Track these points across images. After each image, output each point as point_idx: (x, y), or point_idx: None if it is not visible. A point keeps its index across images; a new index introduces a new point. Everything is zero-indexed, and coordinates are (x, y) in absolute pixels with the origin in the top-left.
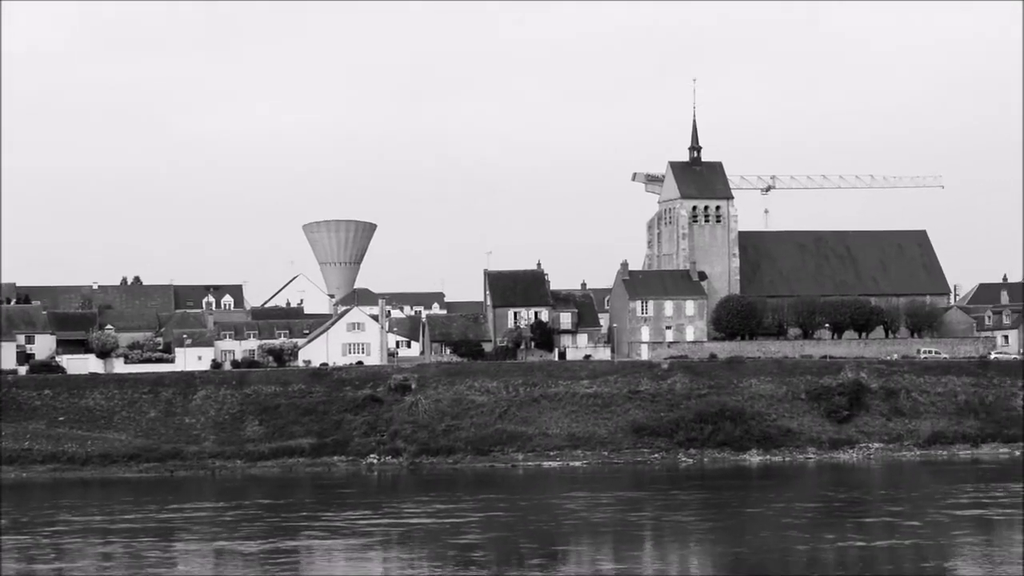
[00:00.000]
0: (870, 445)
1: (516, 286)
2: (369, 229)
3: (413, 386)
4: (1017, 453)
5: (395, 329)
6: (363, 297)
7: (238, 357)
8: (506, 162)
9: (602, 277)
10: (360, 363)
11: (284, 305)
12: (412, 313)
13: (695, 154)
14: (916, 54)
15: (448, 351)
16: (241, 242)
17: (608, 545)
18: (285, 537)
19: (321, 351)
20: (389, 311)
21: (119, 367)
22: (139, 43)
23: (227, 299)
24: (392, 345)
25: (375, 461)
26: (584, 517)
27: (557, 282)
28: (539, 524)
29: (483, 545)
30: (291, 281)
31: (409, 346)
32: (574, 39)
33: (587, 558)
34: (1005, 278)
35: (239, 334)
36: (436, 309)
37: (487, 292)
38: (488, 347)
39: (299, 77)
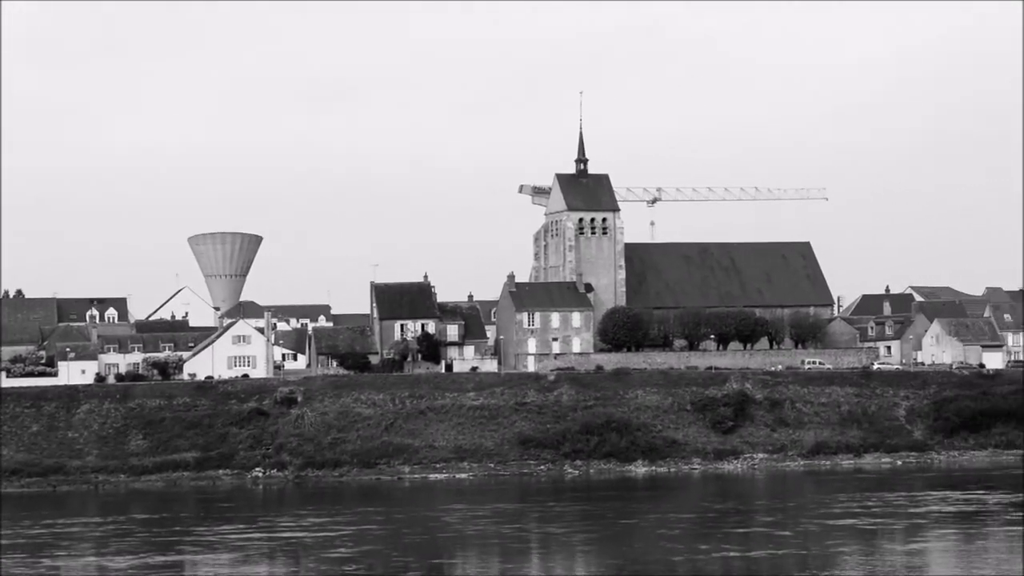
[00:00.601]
0: (754, 455)
1: (403, 298)
2: (255, 241)
3: (299, 399)
4: (899, 463)
5: (281, 342)
6: (249, 310)
7: (122, 371)
8: (393, 174)
9: (489, 289)
10: (246, 376)
11: (169, 318)
12: (298, 326)
13: (582, 166)
14: (800, 68)
15: (334, 364)
16: (125, 255)
17: (477, 558)
18: (155, 552)
19: (206, 364)
20: (275, 324)
21: (1, 381)
22: (26, 52)
23: (111, 312)
24: (278, 358)
25: (260, 475)
26: (459, 530)
27: (444, 294)
28: (413, 537)
29: (355, 559)
30: (176, 294)
31: (295, 359)
32: (462, 50)
33: (456, 572)
34: (887, 289)
35: (123, 347)
36: (322, 322)
37: (373, 304)
38: (375, 360)
39: (185, 87)
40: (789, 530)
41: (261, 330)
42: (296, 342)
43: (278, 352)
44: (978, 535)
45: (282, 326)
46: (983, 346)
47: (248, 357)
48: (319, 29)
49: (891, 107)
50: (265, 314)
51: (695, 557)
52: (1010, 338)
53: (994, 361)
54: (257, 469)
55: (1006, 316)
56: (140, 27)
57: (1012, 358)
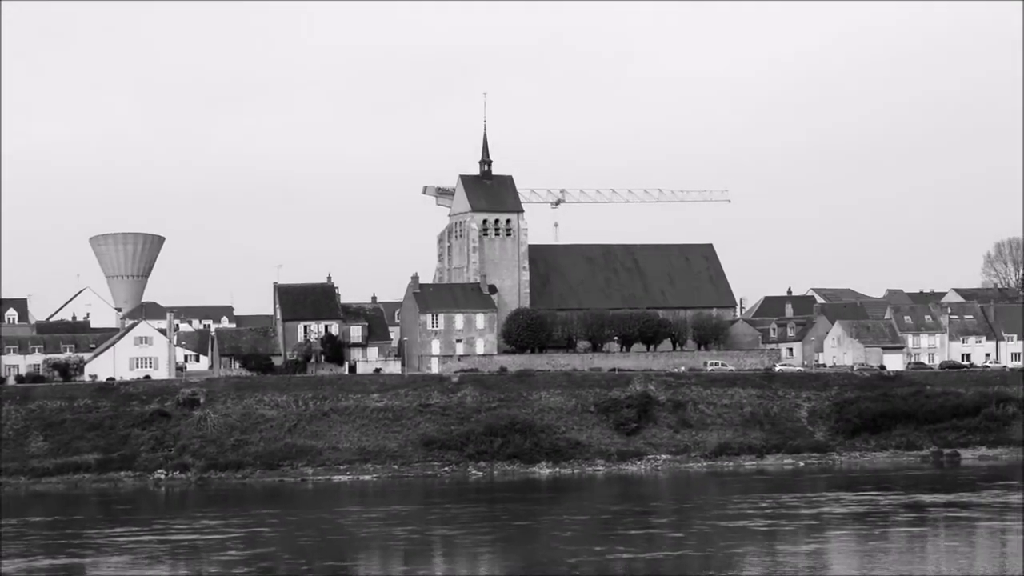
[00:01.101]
0: (658, 457)
1: (306, 299)
2: (157, 242)
3: (202, 400)
4: (801, 464)
5: (183, 343)
6: (151, 311)
7: (23, 372)
8: (297, 175)
9: (393, 290)
10: (148, 377)
11: (70, 319)
12: (201, 327)
13: (486, 168)
14: (704, 70)
15: (237, 365)
16: (26, 255)
17: (367, 560)
18: (45, 556)
19: (108, 365)
20: (177, 325)
21: None
22: None
23: (11, 313)
24: (180, 359)
25: (163, 476)
26: (353, 532)
27: (348, 295)
28: (305, 540)
29: (245, 561)
30: (77, 295)
31: (198, 360)
32: (367, 50)
33: (346, 574)
34: (789, 291)
35: (23, 348)
36: (225, 323)
37: (277, 305)
38: (278, 361)
39: (87, 87)
40: (683, 531)
41: (163, 331)
42: (199, 343)
43: (180, 353)
44: (869, 536)
45: (184, 327)
46: (884, 348)
47: (150, 358)
48: (223, 29)
49: (793, 108)
50: (167, 315)
51: (589, 559)
52: (910, 340)
53: (895, 363)
54: (159, 471)
55: (906, 318)
56: (37, 23)
57: (912, 360)
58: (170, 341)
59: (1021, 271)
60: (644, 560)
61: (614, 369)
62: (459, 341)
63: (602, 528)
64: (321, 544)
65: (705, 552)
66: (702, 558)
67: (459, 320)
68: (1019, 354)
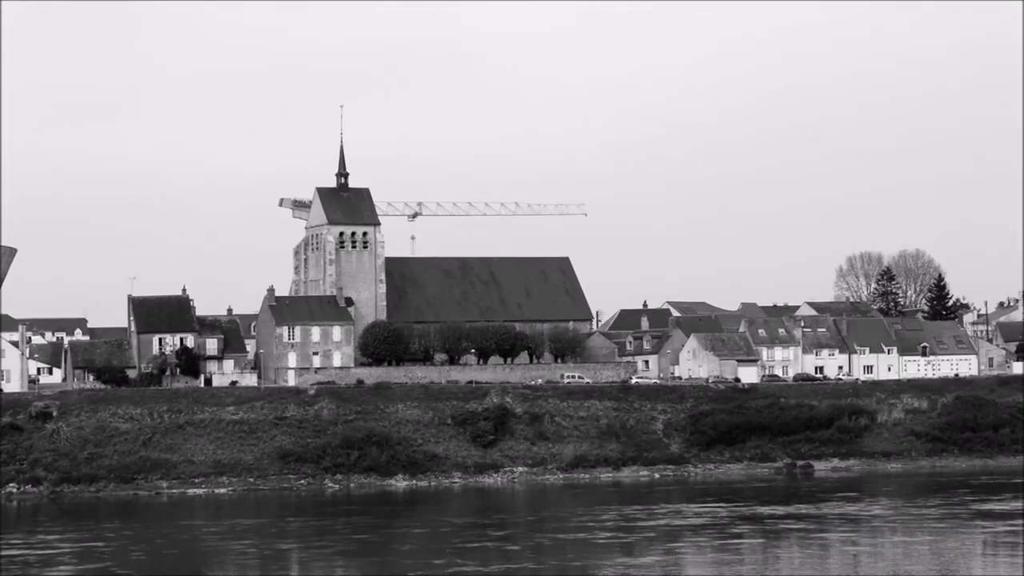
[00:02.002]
0: (515, 469)
1: (161, 312)
2: (9, 254)
3: (55, 413)
4: (657, 476)
5: (36, 355)
6: (2, 323)
7: None
8: (151, 186)
9: (249, 303)
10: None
11: None
12: (54, 339)
13: (342, 180)
14: (562, 84)
15: (91, 378)
16: None
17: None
18: None
19: None
20: (30, 337)
21: None
22: None
23: None
24: (33, 372)
25: (14, 490)
26: (188, 546)
27: (203, 308)
28: (139, 554)
29: None
30: None
31: (51, 373)
32: (222, 61)
33: None
34: (645, 304)
35: None
36: (79, 335)
37: (131, 318)
38: (133, 374)
39: None
40: (521, 544)
41: (15, 344)
42: (52, 356)
43: (33, 366)
44: (707, 547)
45: (37, 340)
46: (738, 360)
47: (2, 371)
48: (77, 36)
49: (650, 122)
50: (20, 327)
51: (423, 573)
52: (764, 353)
53: (749, 375)
54: (11, 485)
55: (760, 331)
56: None
57: (767, 372)
58: (22, 354)
59: (872, 284)
60: (482, 573)
61: (471, 382)
62: (316, 354)
63: (444, 541)
64: (152, 559)
65: (543, 564)
66: (535, 571)
67: (316, 333)
68: (871, 366)
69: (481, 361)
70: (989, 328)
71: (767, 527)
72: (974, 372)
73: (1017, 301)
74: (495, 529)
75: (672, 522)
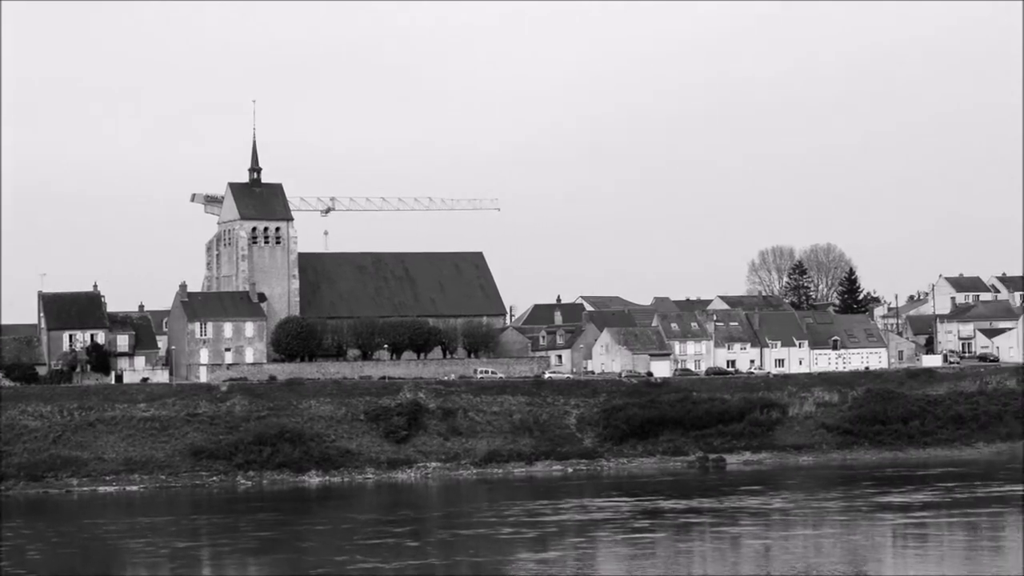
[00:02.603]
0: (428, 464)
1: (72, 308)
2: None
3: None
4: (570, 470)
5: None
6: None
7: None
8: (63, 181)
9: (161, 299)
10: None
11: None
12: None
13: (255, 175)
14: (476, 78)
15: (0, 375)
16: None
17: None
18: None
19: None
20: None
21: None
22: None
23: None
24: None
25: None
26: (86, 544)
27: (114, 304)
28: (34, 553)
29: None
30: None
31: None
32: (133, 55)
33: None
34: (559, 299)
35: None
36: None
37: (41, 314)
38: (43, 371)
39: None
40: (422, 540)
41: None
42: None
43: None
44: (606, 542)
45: None
46: (651, 355)
47: None
48: None
49: (563, 117)
50: None
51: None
52: (677, 347)
53: (662, 370)
54: None
55: (673, 325)
56: None
57: (679, 366)
58: None
59: (784, 278)
60: (379, 570)
61: (384, 377)
62: (228, 350)
63: (347, 538)
64: (48, 558)
65: (442, 560)
66: (430, 567)
67: (228, 329)
68: (783, 360)
69: (394, 356)
70: (899, 322)
71: (667, 521)
72: (884, 365)
73: (927, 295)
74: (400, 525)
75: (575, 517)
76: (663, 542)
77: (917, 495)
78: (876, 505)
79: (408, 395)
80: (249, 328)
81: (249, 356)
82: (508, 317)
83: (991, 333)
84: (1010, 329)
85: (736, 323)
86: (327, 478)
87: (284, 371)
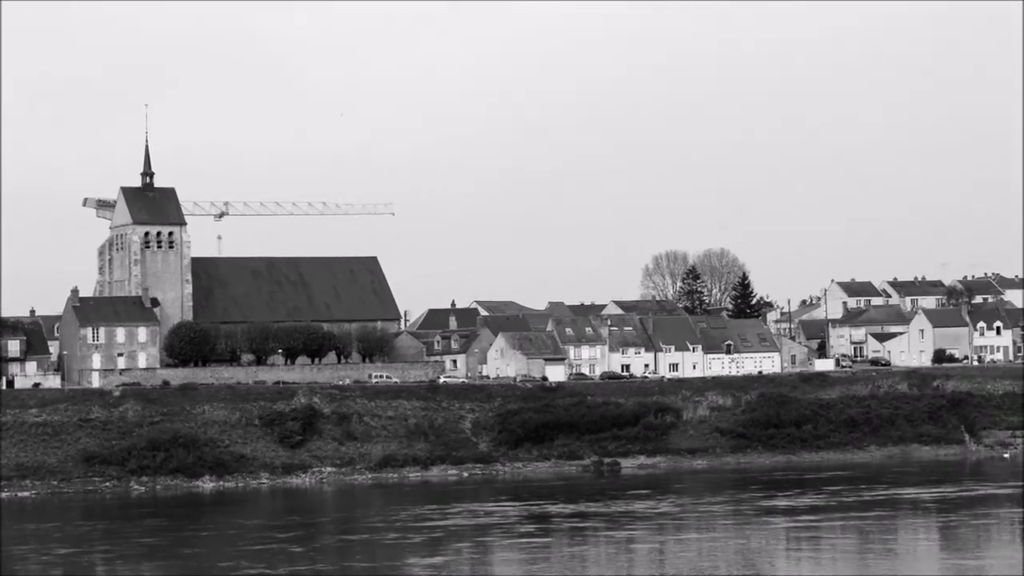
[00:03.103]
0: (323, 469)
1: None
2: None
3: None
4: (465, 475)
5: None
6: None
7: None
8: None
9: (52, 304)
10: None
11: None
12: None
13: (148, 180)
14: (370, 81)
15: None
16: None
17: None
18: None
19: None
20: None
21: None
22: None
23: None
24: None
25: None
26: None
27: (6, 309)
28: None
29: None
30: None
31: None
32: (25, 57)
33: None
34: (453, 304)
35: None
36: None
37: None
38: None
39: None
40: (306, 545)
41: None
42: None
43: None
44: (490, 546)
45: None
46: (546, 359)
47: None
48: None
49: (458, 120)
50: None
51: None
52: (572, 351)
53: (556, 374)
54: None
55: (568, 330)
56: None
57: (574, 371)
58: None
59: (678, 283)
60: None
61: (279, 382)
62: (121, 355)
63: (232, 543)
64: None
65: (334, 566)
66: (316, 572)
67: (120, 334)
68: (677, 364)
69: (289, 361)
70: (792, 326)
71: (553, 526)
72: (777, 369)
73: (819, 299)
74: (288, 531)
75: (461, 522)
76: (549, 547)
77: (804, 499)
78: (762, 509)
79: (303, 400)
80: (142, 333)
81: (142, 361)
82: (403, 322)
83: (883, 337)
84: (901, 333)
85: (630, 328)
86: (221, 483)
87: (177, 376)
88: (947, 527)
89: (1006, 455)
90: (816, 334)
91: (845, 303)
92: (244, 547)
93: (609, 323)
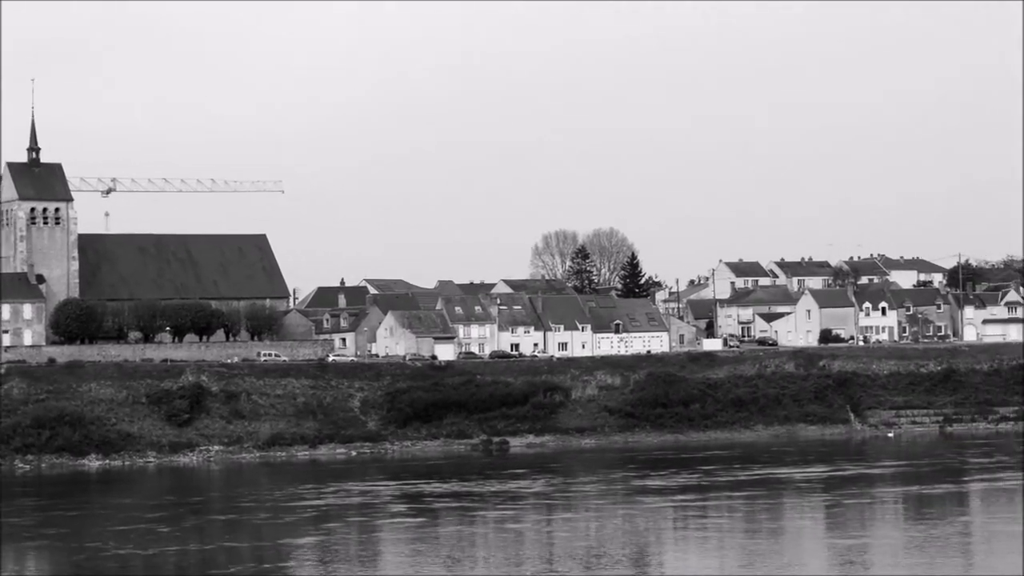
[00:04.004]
0: (211, 448)
1: None
2: None
3: None
4: (354, 453)
5: None
6: None
7: None
8: None
9: None
10: None
11: None
12: None
13: (34, 155)
14: (255, 57)
15: None
16: None
17: None
18: None
19: None
20: None
21: None
22: None
23: None
24: None
25: None
26: None
27: None
28: None
29: None
30: None
31: None
32: None
33: None
34: (343, 282)
35: None
36: None
37: None
38: None
39: None
40: (175, 525)
41: None
42: None
43: None
44: (362, 528)
45: None
46: (435, 338)
47: None
48: None
49: (348, 97)
50: None
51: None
52: (461, 330)
53: (446, 353)
54: None
55: (457, 309)
56: None
57: (463, 350)
58: None
59: (567, 262)
60: (120, 555)
61: (166, 360)
62: (6, 332)
63: (101, 524)
64: None
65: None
66: (183, 554)
67: (5, 311)
68: (566, 344)
69: (176, 339)
70: (680, 305)
71: (424, 506)
72: (666, 349)
73: (707, 279)
74: (161, 510)
75: (334, 501)
76: (419, 527)
77: (678, 478)
78: (635, 488)
79: (190, 378)
80: (27, 310)
81: (27, 338)
82: (291, 300)
83: (770, 317)
84: (788, 313)
85: (520, 307)
86: (107, 462)
87: (64, 354)
88: (831, 506)
89: (890, 435)
90: (704, 314)
91: (733, 283)
92: (113, 527)
93: (499, 302)
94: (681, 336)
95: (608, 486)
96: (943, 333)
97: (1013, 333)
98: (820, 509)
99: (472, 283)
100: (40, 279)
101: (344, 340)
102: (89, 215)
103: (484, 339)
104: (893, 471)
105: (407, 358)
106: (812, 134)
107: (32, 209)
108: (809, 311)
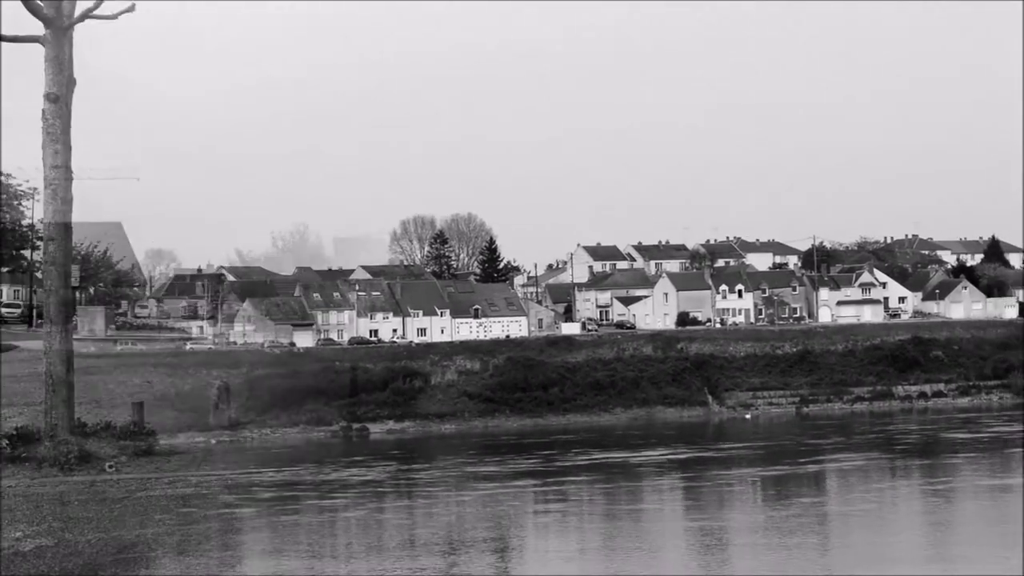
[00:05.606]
0: None
1: None
2: None
3: None
4: (214, 442)
5: None
6: None
7: None
8: None
9: None
10: None
11: None
12: None
13: None
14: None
15: None
16: None
17: None
18: None
19: None
20: None
21: None
22: None
23: None
24: None
25: None
26: None
27: None
28: None
29: None
30: None
31: None
32: None
33: None
34: (200, 269)
35: None
36: None
37: None
38: None
39: None
40: None
41: None
42: None
43: None
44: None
45: None
46: (294, 325)
47: None
48: None
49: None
50: None
51: None
52: (320, 317)
53: (305, 340)
54: None
55: (316, 295)
56: None
57: (322, 336)
58: None
59: (426, 248)
60: None
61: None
62: None
63: None
64: None
65: None
66: None
67: None
68: (425, 329)
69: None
70: (539, 290)
71: (252, 495)
72: (524, 333)
73: (565, 263)
74: None
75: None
76: (248, 517)
77: (518, 463)
78: (468, 475)
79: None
80: None
81: None
82: (148, 287)
83: (628, 301)
84: (646, 297)
85: (378, 293)
86: None
87: None
88: (689, 488)
89: (747, 416)
90: (563, 298)
91: (591, 267)
92: None
93: (357, 288)
94: (540, 320)
95: (443, 472)
96: (799, 315)
97: (867, 314)
98: (678, 491)
99: (330, 269)
100: None
101: (201, 328)
102: None
103: (343, 325)
104: (751, 453)
105: (265, 345)
106: (667, 118)
107: None
108: (667, 294)
